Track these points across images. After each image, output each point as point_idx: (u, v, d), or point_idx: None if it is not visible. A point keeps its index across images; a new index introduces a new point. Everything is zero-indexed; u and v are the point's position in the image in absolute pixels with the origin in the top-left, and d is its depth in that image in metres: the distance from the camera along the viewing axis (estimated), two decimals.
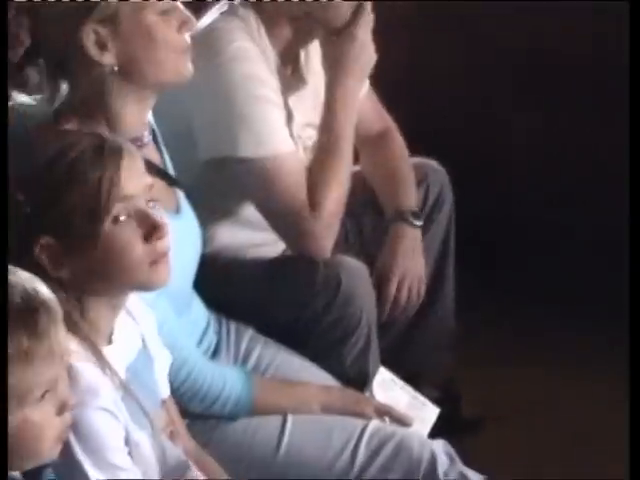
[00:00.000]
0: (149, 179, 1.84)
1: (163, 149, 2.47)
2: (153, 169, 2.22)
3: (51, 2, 2.22)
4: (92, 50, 2.16)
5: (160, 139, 2.46)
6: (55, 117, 2.23)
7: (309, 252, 2.63)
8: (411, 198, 2.96)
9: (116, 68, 2.20)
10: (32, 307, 1.49)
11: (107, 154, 1.77)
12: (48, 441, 1.53)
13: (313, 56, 2.90)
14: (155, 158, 2.39)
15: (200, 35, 2.64)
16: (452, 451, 2.36)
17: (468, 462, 2.45)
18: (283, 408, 2.41)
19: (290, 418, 2.39)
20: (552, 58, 4.11)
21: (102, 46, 2.17)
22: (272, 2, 2.74)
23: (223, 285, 2.62)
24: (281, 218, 2.67)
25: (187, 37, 2.27)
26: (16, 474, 1.55)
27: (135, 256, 1.79)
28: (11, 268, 1.55)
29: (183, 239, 2.28)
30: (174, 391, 2.24)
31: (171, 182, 2.41)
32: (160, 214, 1.84)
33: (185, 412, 2.35)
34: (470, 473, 2.34)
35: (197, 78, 2.50)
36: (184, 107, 2.63)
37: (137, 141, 2.24)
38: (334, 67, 2.76)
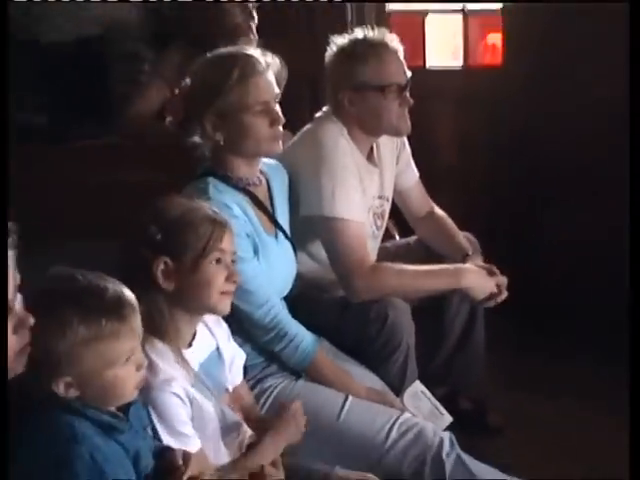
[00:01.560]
0: (234, 246, 2.15)
1: (274, 194, 2.69)
2: (260, 205, 2.61)
3: (194, 83, 2.55)
4: (208, 126, 2.49)
5: (274, 188, 2.70)
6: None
7: (347, 296, 2.77)
8: (468, 245, 3.10)
9: (222, 143, 2.51)
10: (122, 302, 1.73)
11: (217, 224, 2.10)
12: (130, 388, 1.77)
13: (381, 148, 3.03)
14: (265, 197, 2.65)
15: (311, 130, 2.94)
16: (454, 439, 2.44)
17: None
18: (330, 383, 2.55)
19: (350, 398, 2.50)
20: None
21: (214, 127, 2.49)
22: (348, 115, 2.88)
23: (309, 312, 2.71)
24: (338, 265, 2.78)
25: (279, 128, 2.53)
26: (112, 409, 1.76)
27: (216, 285, 2.09)
28: (102, 275, 1.77)
29: (279, 257, 2.63)
30: (266, 330, 2.52)
31: (270, 217, 2.65)
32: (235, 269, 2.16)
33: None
34: (464, 455, 2.42)
35: (307, 159, 2.83)
36: (297, 179, 2.80)
37: (249, 183, 2.59)
38: None
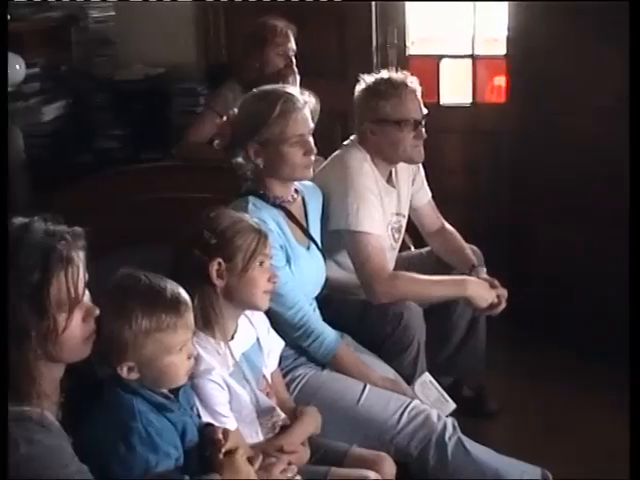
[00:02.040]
0: (270, 251, 2.16)
1: (309, 211, 2.68)
2: (294, 219, 2.60)
3: (240, 114, 2.54)
4: (250, 152, 2.49)
5: (309, 205, 2.68)
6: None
7: (368, 298, 2.74)
8: (474, 258, 3.05)
9: (261, 167, 2.51)
10: (180, 300, 1.77)
11: (262, 234, 2.12)
12: (182, 374, 1.79)
13: (399, 172, 2.99)
14: (299, 214, 2.64)
15: (339, 155, 2.92)
16: (456, 424, 2.44)
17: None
18: (351, 373, 2.53)
19: (368, 386, 2.48)
20: None
21: (256, 154, 2.49)
22: (371, 144, 2.86)
23: (336, 311, 2.71)
24: (361, 273, 2.75)
25: (312, 157, 2.52)
26: (165, 391, 1.78)
27: (260, 284, 2.11)
28: (162, 276, 1.79)
29: (309, 264, 2.61)
30: (295, 328, 2.48)
31: (303, 230, 2.64)
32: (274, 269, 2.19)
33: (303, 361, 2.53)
34: (464, 438, 2.41)
35: (335, 182, 2.80)
36: (327, 197, 2.78)
37: (283, 201, 2.57)
38: None
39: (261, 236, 2.11)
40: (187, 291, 1.84)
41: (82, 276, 1.62)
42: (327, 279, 2.76)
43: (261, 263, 2.10)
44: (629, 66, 2.21)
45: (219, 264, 2.05)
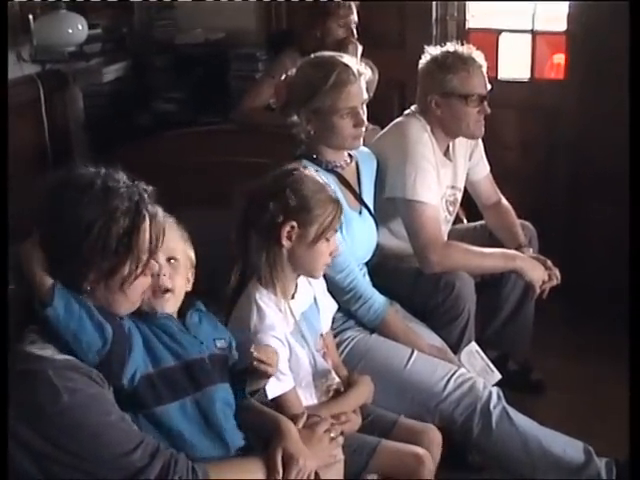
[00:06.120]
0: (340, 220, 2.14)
1: (362, 176, 2.70)
2: (346, 184, 2.63)
3: (297, 78, 2.56)
4: (302, 119, 2.54)
5: (362, 171, 2.70)
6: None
7: (421, 267, 2.75)
8: (523, 237, 3.06)
9: (312, 134, 2.55)
10: None
11: (339, 207, 2.11)
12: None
13: (457, 146, 3.01)
14: (352, 179, 2.67)
15: (399, 124, 2.92)
16: (501, 394, 2.46)
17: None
18: (398, 339, 2.56)
19: (415, 352, 2.51)
20: None
21: (308, 121, 2.55)
22: (433, 116, 2.86)
23: (388, 279, 2.73)
24: (415, 241, 2.76)
25: (362, 129, 2.54)
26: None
27: (323, 257, 2.10)
28: None
29: (361, 229, 2.64)
30: (344, 292, 2.51)
31: (356, 195, 2.68)
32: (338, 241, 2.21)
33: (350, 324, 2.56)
34: (509, 407, 2.43)
35: (393, 149, 2.81)
36: (384, 165, 2.79)
37: (336, 166, 2.61)
38: None
39: (338, 210, 2.09)
40: (255, 244, 1.91)
41: (161, 229, 1.66)
42: (380, 246, 2.78)
43: (327, 238, 2.09)
44: (629, 66, 2.19)
45: (292, 227, 2.05)
